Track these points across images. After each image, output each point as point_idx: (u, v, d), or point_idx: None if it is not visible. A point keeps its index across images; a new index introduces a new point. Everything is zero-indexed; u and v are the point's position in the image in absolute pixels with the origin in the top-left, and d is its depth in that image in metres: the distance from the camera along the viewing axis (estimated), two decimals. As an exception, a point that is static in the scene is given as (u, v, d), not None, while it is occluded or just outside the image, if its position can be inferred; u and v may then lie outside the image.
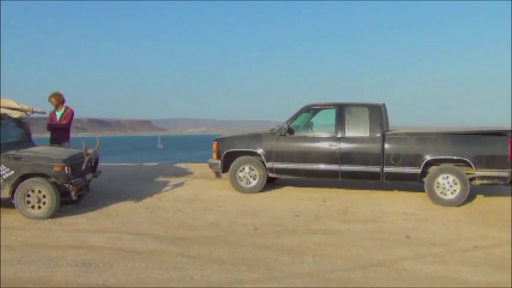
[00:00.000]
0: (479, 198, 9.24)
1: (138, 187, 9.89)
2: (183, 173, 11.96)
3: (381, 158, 9.09)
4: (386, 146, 9.10)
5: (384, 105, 9.77)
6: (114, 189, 9.65)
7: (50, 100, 9.53)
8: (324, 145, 9.46)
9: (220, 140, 10.17)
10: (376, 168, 9.13)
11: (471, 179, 8.72)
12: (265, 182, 9.71)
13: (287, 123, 9.67)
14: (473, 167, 8.64)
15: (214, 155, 10.04)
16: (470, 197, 8.89)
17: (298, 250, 6.04)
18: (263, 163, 9.65)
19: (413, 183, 9.24)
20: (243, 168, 9.74)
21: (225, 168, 9.92)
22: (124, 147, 73.92)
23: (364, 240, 6.54)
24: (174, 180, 10.61)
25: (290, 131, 9.64)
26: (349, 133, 9.37)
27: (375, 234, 6.89)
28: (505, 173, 8.55)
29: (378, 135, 9.20)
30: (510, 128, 8.83)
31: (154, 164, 14.69)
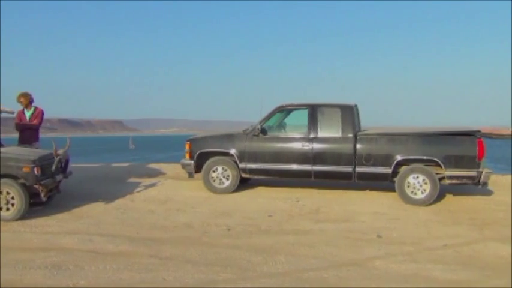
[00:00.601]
0: (449, 197, 9.42)
1: (110, 188, 9.78)
2: (156, 173, 11.87)
3: (353, 158, 9.19)
4: (358, 146, 9.20)
5: (355, 106, 9.87)
6: (85, 191, 9.53)
7: (18, 100, 9.35)
8: (297, 145, 9.51)
9: (193, 141, 10.13)
10: (348, 168, 9.22)
11: (441, 179, 8.88)
12: (238, 182, 9.71)
13: (260, 123, 9.68)
14: (442, 166, 8.81)
15: (187, 156, 10.00)
16: (439, 197, 9.06)
17: (271, 250, 6.06)
18: (236, 163, 9.65)
19: (384, 183, 9.37)
20: (216, 169, 9.73)
21: (198, 168, 9.89)
22: (95, 148, 72.88)
23: (337, 240, 6.59)
24: (146, 181, 10.53)
25: (263, 131, 9.67)
26: (322, 133, 9.44)
27: (347, 233, 6.95)
28: (473, 173, 8.73)
29: (350, 135, 9.30)
30: (478, 129, 9.03)
31: (126, 164, 14.56)
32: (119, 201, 8.78)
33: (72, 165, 9.29)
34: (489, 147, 9.06)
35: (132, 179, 10.89)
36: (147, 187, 9.97)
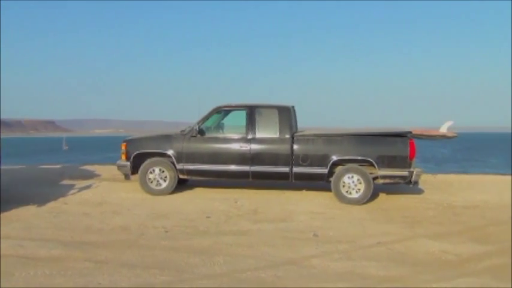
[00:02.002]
0: (382, 196, 9.74)
1: (42, 190, 9.44)
2: (90, 175, 11.57)
3: (290, 159, 9.31)
4: (295, 147, 9.33)
5: (293, 107, 10.01)
6: (15, 193, 9.15)
7: None
8: (235, 146, 9.53)
9: (130, 141, 9.94)
10: (286, 169, 9.34)
11: (374, 178, 9.15)
12: (175, 183, 9.62)
13: (198, 124, 9.64)
14: (376, 166, 9.08)
15: (123, 157, 9.81)
16: (373, 196, 9.34)
17: (209, 251, 6.03)
18: (174, 164, 9.56)
19: (320, 182, 9.55)
20: (153, 170, 9.59)
21: (135, 170, 9.72)
22: (26, 149, 70.17)
23: (274, 240, 6.65)
24: (80, 183, 10.24)
25: (201, 132, 9.63)
26: (260, 134, 9.51)
27: (285, 233, 7.02)
28: (405, 173, 9.06)
29: (287, 136, 9.42)
30: (409, 130, 9.37)
31: (59, 166, 14.10)
32: (52, 204, 8.48)
33: (1, 167, 8.89)
34: (419, 148, 9.41)
35: (66, 181, 10.56)
36: (81, 189, 9.69)
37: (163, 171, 9.59)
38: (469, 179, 13.35)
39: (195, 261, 5.62)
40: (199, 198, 9.33)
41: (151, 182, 9.59)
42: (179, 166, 9.55)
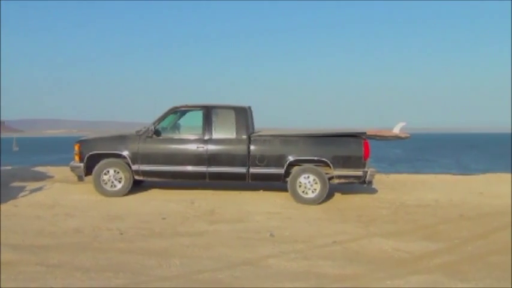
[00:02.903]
0: (337, 196, 9.88)
1: (-10, 193, 9.11)
2: (42, 177, 11.26)
3: (247, 159, 9.33)
4: (252, 147, 9.35)
5: (249, 107, 10.03)
6: (-39, 197, 8.81)
7: None
8: (192, 147, 9.47)
9: (83, 142, 9.73)
10: (243, 169, 9.35)
11: (330, 178, 9.27)
12: (131, 185, 9.49)
13: (154, 124, 9.53)
14: (331, 167, 9.20)
15: (77, 158, 9.59)
16: (329, 195, 9.46)
17: (165, 253, 5.97)
18: (129, 165, 9.42)
19: (277, 183, 9.60)
20: (108, 171, 9.43)
21: (89, 171, 9.53)
22: (-27, 150, 67.56)
23: (231, 240, 6.64)
24: (32, 185, 9.96)
25: (157, 132, 9.52)
26: (216, 135, 9.49)
27: (242, 233, 7.03)
28: (359, 172, 9.22)
29: (244, 137, 9.43)
30: (364, 130, 9.54)
31: (9, 167, 13.66)
32: (2, 207, 8.21)
33: None
34: (373, 148, 9.59)
35: (16, 183, 10.25)
36: (32, 191, 9.42)
37: (118, 173, 9.44)
38: (421, 178, 13.68)
39: (150, 263, 5.56)
40: (155, 199, 9.23)
41: (106, 183, 9.43)
42: (134, 167, 9.42)
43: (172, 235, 6.90)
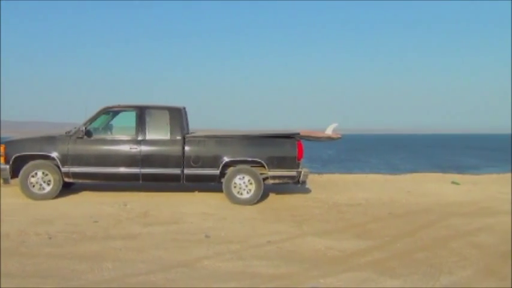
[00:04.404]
0: (272, 196, 9.98)
1: None
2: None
3: (181, 160, 9.25)
4: (187, 148, 9.29)
5: (184, 108, 9.95)
6: None
7: None
8: (124, 148, 9.29)
9: (9, 143, 9.31)
10: (177, 170, 9.26)
11: (264, 179, 9.36)
12: (60, 187, 9.17)
13: (84, 125, 9.27)
14: (266, 167, 9.29)
15: (2, 160, 9.16)
16: (264, 196, 9.55)
17: (97, 257, 5.81)
18: (58, 167, 9.10)
19: (212, 184, 9.58)
20: (36, 174, 9.08)
21: (15, 173, 9.12)
22: None
23: (165, 242, 6.57)
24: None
25: (88, 133, 9.27)
26: (150, 136, 9.35)
27: (176, 235, 6.97)
28: (293, 173, 9.36)
29: (179, 137, 9.34)
30: (298, 132, 9.69)
31: None
32: None
33: None
34: (307, 149, 9.76)
35: None
36: (-48, 195, 8.91)
37: (46, 175, 9.10)
38: (353, 178, 14.09)
39: (81, 268, 5.40)
40: (86, 202, 8.97)
41: (34, 186, 9.07)
42: (64, 169, 9.11)
43: (105, 238, 6.73)
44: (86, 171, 9.23)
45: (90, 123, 9.35)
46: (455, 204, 9.82)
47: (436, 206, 9.58)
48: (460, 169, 23.89)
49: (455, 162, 34.05)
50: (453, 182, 13.08)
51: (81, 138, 9.22)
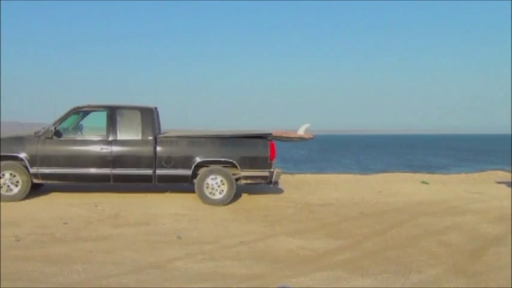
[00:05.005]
0: (244, 196, 9.99)
1: None
2: None
3: (153, 161, 9.18)
4: (159, 148, 9.22)
5: (156, 108, 9.88)
6: None
7: None
8: (95, 148, 9.18)
9: (-26, 144, 9.09)
10: (149, 171, 9.19)
11: (237, 179, 9.35)
12: (29, 188, 9.01)
13: (54, 125, 9.13)
14: (238, 167, 9.28)
15: (-32, 161, 8.94)
16: (236, 196, 9.55)
17: (67, 259, 5.72)
18: (26, 168, 8.94)
19: (185, 184, 9.54)
20: (3, 175, 8.90)
21: (-19, 175, 8.92)
22: None
23: (137, 244, 6.51)
24: None
25: (57, 133, 9.13)
26: (121, 136, 9.26)
27: (148, 236, 6.91)
28: (265, 173, 9.38)
29: (150, 138, 9.27)
30: (270, 132, 9.72)
31: None
32: None
33: None
34: (279, 149, 9.80)
35: None
36: None
37: (14, 176, 8.93)
38: (324, 178, 14.19)
39: (51, 271, 5.31)
40: (56, 203, 8.83)
41: (1, 187, 8.88)
42: (33, 170, 8.95)
43: (75, 240, 6.63)
44: (56, 172, 9.08)
45: (60, 123, 9.21)
46: (425, 203, 9.97)
47: (407, 205, 9.72)
48: (430, 169, 24.32)
49: (425, 162, 34.63)
50: (423, 182, 13.30)
51: (51, 138, 9.08)
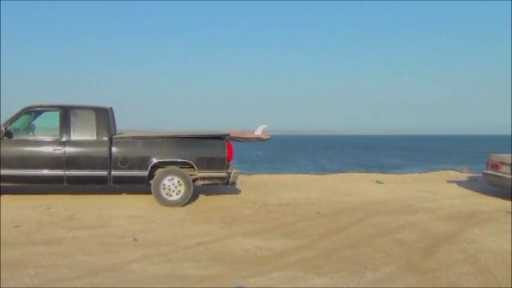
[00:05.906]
0: (202, 197, 9.94)
1: None
2: None
3: (109, 162, 9.04)
4: (114, 149, 9.09)
5: (111, 108, 9.72)
6: None
7: None
8: (48, 149, 8.96)
9: None
10: (104, 172, 9.04)
11: (194, 180, 9.31)
12: (-22, 191, 8.71)
13: (4, 125, 8.87)
14: (195, 168, 9.24)
15: None
16: (193, 197, 9.49)
17: (18, 263, 5.56)
18: (-24, 170, 8.64)
19: (141, 185, 9.43)
20: (-50, 177, 8.57)
21: None
22: None
23: (91, 246, 6.39)
24: None
25: (8, 134, 8.87)
26: (75, 136, 9.07)
27: (103, 239, 6.79)
28: (223, 174, 9.37)
29: (105, 138, 9.13)
30: (227, 132, 9.72)
31: None
32: None
33: None
34: (236, 150, 9.81)
35: None
36: None
37: (-38, 178, 8.62)
38: (282, 178, 14.29)
39: (2, 275, 5.14)
40: (6, 206, 8.56)
41: None
42: (-18, 172, 8.67)
43: (26, 244, 6.45)
44: (6, 174, 8.82)
45: (11, 123, 8.96)
46: (380, 202, 10.18)
47: (362, 204, 9.90)
48: (384, 169, 24.88)
49: (379, 162, 35.36)
50: (377, 182, 13.57)
51: (1, 139, 8.81)
